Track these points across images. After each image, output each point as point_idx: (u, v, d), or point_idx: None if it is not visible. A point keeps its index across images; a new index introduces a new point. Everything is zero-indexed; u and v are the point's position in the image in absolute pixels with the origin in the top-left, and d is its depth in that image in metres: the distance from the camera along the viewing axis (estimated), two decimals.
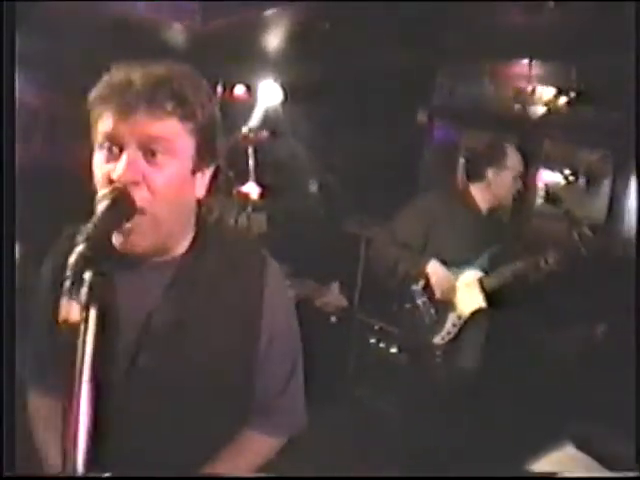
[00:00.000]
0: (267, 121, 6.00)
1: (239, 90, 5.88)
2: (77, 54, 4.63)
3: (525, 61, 4.84)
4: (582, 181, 4.68)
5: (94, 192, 1.43)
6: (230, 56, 5.28)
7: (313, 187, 6.00)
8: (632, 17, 2.77)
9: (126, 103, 1.38)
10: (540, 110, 4.77)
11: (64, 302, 1.08)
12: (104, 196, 1.33)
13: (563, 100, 4.60)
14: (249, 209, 5.46)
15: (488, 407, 3.80)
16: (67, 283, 1.10)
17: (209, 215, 1.67)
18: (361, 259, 5.29)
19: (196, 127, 1.46)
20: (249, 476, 1.69)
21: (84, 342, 1.08)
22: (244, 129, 5.82)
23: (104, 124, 1.41)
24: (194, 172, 1.50)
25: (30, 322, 1.73)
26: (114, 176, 1.38)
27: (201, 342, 1.57)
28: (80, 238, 1.18)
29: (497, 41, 4.56)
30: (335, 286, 5.42)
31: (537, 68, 4.80)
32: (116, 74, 1.44)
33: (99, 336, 1.10)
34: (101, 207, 1.29)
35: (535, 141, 4.84)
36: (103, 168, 1.42)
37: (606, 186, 4.57)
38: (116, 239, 1.39)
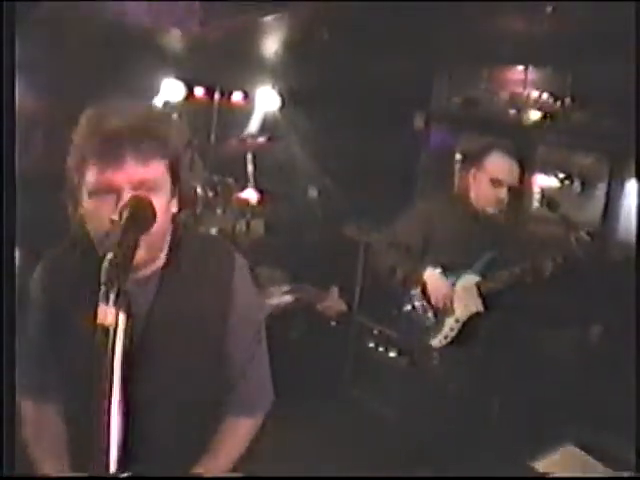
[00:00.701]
0: (265, 127, 6.02)
1: (237, 96, 5.90)
2: (76, 59, 4.65)
3: (521, 67, 4.86)
4: (577, 185, 4.69)
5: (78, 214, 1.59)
6: (228, 62, 5.30)
7: (312, 192, 6.01)
8: (630, 23, 2.80)
9: (116, 154, 1.50)
10: (535, 115, 4.78)
11: (101, 307, 1.15)
12: (124, 206, 1.41)
13: (558, 105, 4.63)
14: (248, 215, 5.49)
15: (485, 409, 3.82)
16: (102, 289, 1.17)
17: (179, 225, 1.80)
18: (360, 263, 5.30)
19: (171, 161, 1.62)
20: (249, 476, 1.79)
21: (114, 345, 1.14)
22: (242, 135, 5.85)
23: (96, 174, 1.53)
24: (171, 197, 1.66)
25: (25, 330, 1.81)
26: (115, 217, 1.43)
27: (189, 339, 1.73)
28: (109, 247, 1.26)
29: (494, 47, 4.59)
30: (334, 290, 5.43)
31: (533, 74, 4.83)
32: (96, 123, 1.54)
33: (126, 340, 1.17)
34: (123, 216, 1.36)
35: (530, 146, 4.86)
36: (100, 213, 1.54)
37: (601, 190, 4.58)
38: None
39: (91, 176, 1.54)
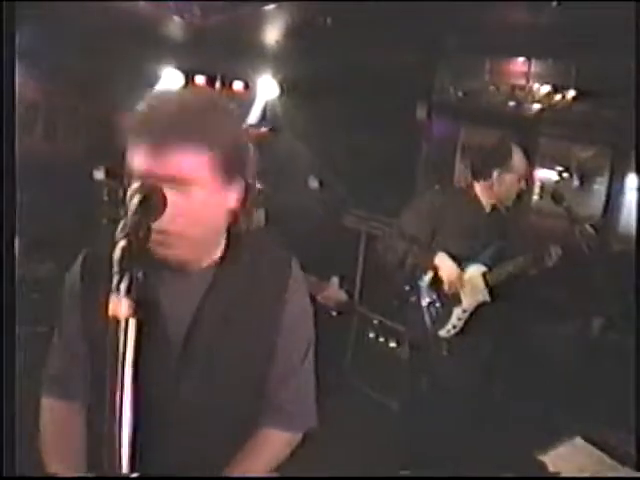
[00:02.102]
0: (266, 117, 6.01)
1: (238, 86, 5.89)
2: (77, 48, 4.65)
3: (524, 59, 4.84)
4: (578, 178, 4.69)
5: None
6: (229, 52, 5.29)
7: (313, 183, 6.01)
8: (632, 16, 2.79)
9: (160, 141, 1.45)
10: (538, 107, 4.77)
11: (113, 298, 1.11)
12: (135, 191, 1.36)
13: (560, 98, 4.61)
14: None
15: (488, 399, 3.83)
16: (115, 279, 1.12)
17: (239, 225, 1.73)
18: (361, 254, 5.31)
19: (222, 152, 1.52)
20: (248, 476, 1.73)
21: (126, 339, 1.10)
22: (243, 125, 5.83)
23: (138, 160, 1.48)
24: (222, 190, 1.57)
25: (59, 331, 1.78)
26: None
27: (238, 340, 1.67)
28: (119, 235, 1.20)
29: (497, 38, 4.58)
30: (335, 281, 5.45)
31: (536, 66, 4.81)
32: (144, 109, 1.51)
33: (140, 334, 1.12)
34: (134, 202, 1.32)
35: (532, 138, 4.85)
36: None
37: (602, 183, 4.59)
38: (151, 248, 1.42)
39: (135, 159, 1.49)
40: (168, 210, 1.41)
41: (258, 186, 5.51)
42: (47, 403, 1.79)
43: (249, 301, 1.69)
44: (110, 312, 1.10)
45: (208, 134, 1.49)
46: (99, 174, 4.59)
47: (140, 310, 1.12)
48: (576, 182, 4.71)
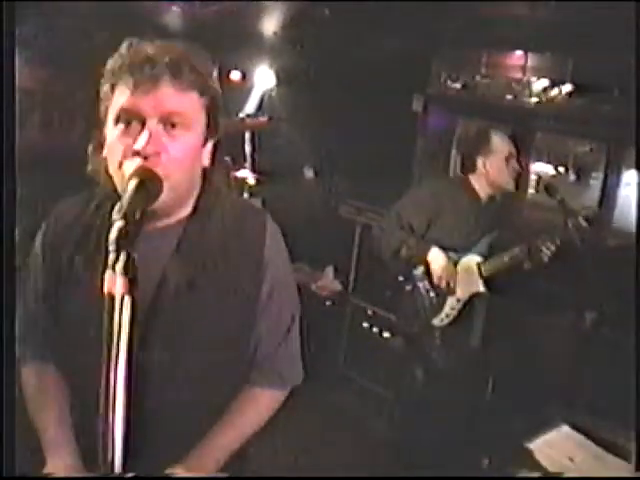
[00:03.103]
0: (263, 107, 6.00)
1: (235, 76, 5.88)
2: (74, 35, 4.63)
3: (521, 52, 4.85)
4: (574, 172, 4.70)
5: (99, 164, 1.54)
6: (227, 42, 5.28)
7: (309, 173, 6.01)
8: (631, 10, 2.79)
9: (150, 76, 1.44)
10: (534, 101, 4.78)
11: (108, 276, 1.14)
12: (131, 175, 1.38)
13: (557, 92, 4.62)
14: (245, 194, 5.49)
15: (480, 390, 3.86)
16: (110, 257, 1.15)
17: (211, 184, 1.73)
18: (356, 244, 5.32)
19: (208, 101, 1.56)
20: (247, 476, 1.80)
21: (121, 316, 1.12)
22: (240, 115, 5.83)
23: (122, 98, 1.47)
24: (204, 144, 1.60)
25: (25, 299, 1.78)
26: (136, 147, 1.43)
27: (210, 299, 1.65)
28: (116, 215, 1.22)
29: (494, 31, 4.58)
30: (330, 271, 5.46)
31: (533, 59, 4.82)
32: (133, 49, 1.49)
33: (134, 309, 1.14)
34: (130, 185, 1.34)
35: (528, 132, 4.86)
36: (121, 142, 1.48)
37: (598, 178, 4.60)
38: None
39: (119, 98, 1.47)
40: (161, 156, 1.45)
41: (255, 175, 5.53)
42: (24, 371, 1.80)
43: (220, 260, 1.66)
44: (106, 289, 1.13)
45: (199, 77, 1.51)
46: (92, 166, 4.56)
47: (135, 289, 1.15)
48: (572, 176, 4.72)
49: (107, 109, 1.53)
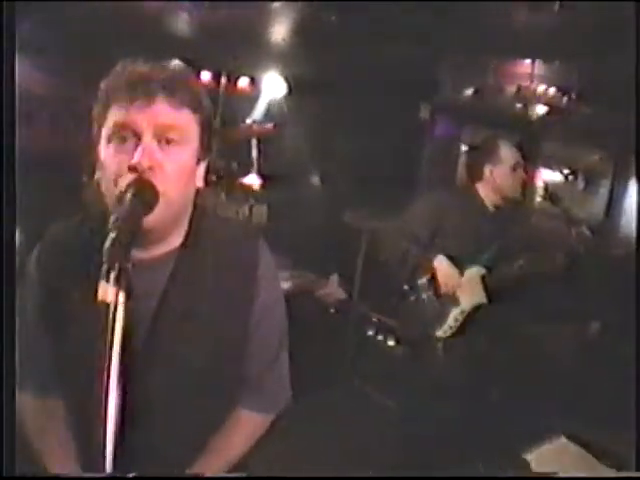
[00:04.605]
0: (270, 113, 6.02)
1: (243, 82, 5.90)
2: (83, 40, 4.66)
3: (528, 60, 4.86)
4: (581, 180, 4.71)
5: (95, 180, 1.51)
6: (235, 48, 5.30)
7: (315, 179, 6.03)
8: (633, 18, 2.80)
9: (146, 92, 1.45)
10: (542, 109, 4.78)
11: (102, 284, 1.14)
12: (127, 186, 1.39)
13: (564, 100, 4.63)
14: (251, 200, 5.50)
15: (484, 401, 3.85)
16: (104, 267, 1.16)
17: (204, 206, 1.74)
18: (361, 251, 5.32)
19: (202, 119, 1.56)
20: (247, 476, 1.77)
21: (114, 326, 1.13)
22: (248, 121, 5.85)
23: (117, 115, 1.47)
24: (197, 162, 1.59)
25: (21, 323, 1.70)
26: (133, 162, 1.43)
27: (205, 326, 1.65)
28: (111, 226, 1.24)
29: (501, 39, 4.59)
30: (335, 278, 5.46)
31: (539, 67, 4.83)
32: (127, 68, 1.50)
33: (126, 321, 1.15)
34: (127, 196, 1.35)
35: (535, 140, 4.87)
36: (116, 158, 1.47)
37: (605, 186, 4.60)
38: None
39: (114, 115, 1.47)
40: (156, 172, 1.45)
41: (260, 182, 5.55)
42: (23, 402, 1.73)
43: (214, 286, 1.66)
44: (99, 297, 1.13)
45: (192, 95, 1.52)
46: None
47: (129, 299, 1.16)
48: (579, 185, 4.73)
49: (100, 129, 1.52)
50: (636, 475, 1.96)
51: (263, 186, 5.63)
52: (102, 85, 1.52)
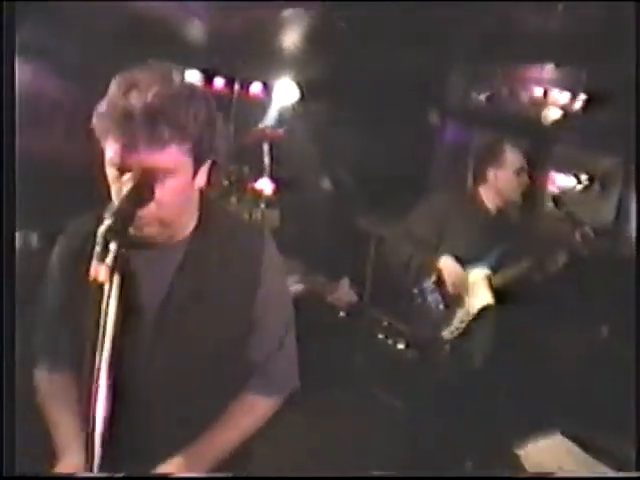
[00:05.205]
0: (282, 119, 6.06)
1: (256, 88, 5.94)
2: (97, 45, 4.72)
3: (538, 65, 4.88)
4: (593, 184, 4.71)
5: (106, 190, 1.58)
6: (248, 54, 5.35)
7: (326, 184, 6.06)
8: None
9: (129, 136, 1.49)
10: (552, 114, 4.80)
11: (94, 264, 1.24)
12: (128, 180, 1.48)
13: (574, 104, 4.64)
14: (262, 205, 5.54)
15: (492, 402, 3.86)
16: (97, 248, 1.26)
17: (210, 202, 1.82)
18: (371, 256, 5.35)
19: (192, 142, 1.58)
20: (248, 476, 1.83)
21: (108, 304, 1.24)
22: (260, 126, 5.90)
23: (111, 150, 1.53)
24: (194, 175, 1.64)
25: (41, 305, 1.86)
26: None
27: (212, 312, 1.74)
28: (107, 213, 1.34)
29: (510, 44, 4.61)
30: (345, 282, 5.49)
31: (550, 72, 4.84)
32: (120, 96, 1.50)
33: (120, 303, 1.25)
34: (124, 189, 1.45)
35: (546, 144, 4.88)
36: (117, 183, 1.54)
37: (615, 189, 4.60)
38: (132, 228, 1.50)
39: (109, 150, 1.53)
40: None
41: (272, 186, 5.59)
42: (39, 375, 1.88)
43: (221, 275, 1.74)
44: (91, 277, 1.23)
45: (175, 129, 1.52)
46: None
47: (122, 281, 1.25)
48: (592, 189, 4.73)
49: (103, 150, 1.57)
50: (636, 475, 1.97)
51: (275, 191, 5.67)
52: (98, 107, 1.55)
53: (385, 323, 5.11)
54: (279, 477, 1.98)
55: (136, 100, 1.48)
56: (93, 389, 1.21)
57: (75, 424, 1.74)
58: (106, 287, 1.24)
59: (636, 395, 2.28)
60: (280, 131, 5.84)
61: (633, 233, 4.39)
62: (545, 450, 2.12)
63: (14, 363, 1.73)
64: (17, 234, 4.56)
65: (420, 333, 3.88)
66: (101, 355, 1.21)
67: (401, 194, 4.61)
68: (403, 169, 5.17)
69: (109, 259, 1.25)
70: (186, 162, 1.59)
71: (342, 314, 5.38)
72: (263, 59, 5.67)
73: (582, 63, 4.59)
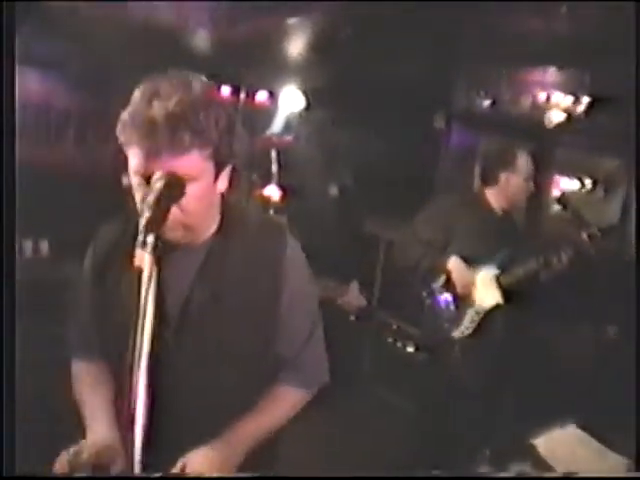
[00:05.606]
0: (289, 126, 6.10)
1: (262, 96, 5.98)
2: (105, 57, 4.77)
3: (541, 68, 4.90)
4: (597, 187, 4.73)
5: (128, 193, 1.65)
6: (254, 63, 5.39)
7: (333, 190, 6.10)
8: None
9: (151, 144, 1.54)
10: (555, 117, 4.82)
11: (138, 252, 1.35)
12: (158, 179, 1.52)
13: (578, 107, 4.65)
14: (271, 211, 5.59)
15: (500, 401, 3.88)
16: (139, 238, 1.36)
17: (231, 204, 1.86)
18: (380, 260, 5.38)
19: (213, 148, 1.62)
20: (248, 476, 1.80)
21: (147, 294, 1.33)
22: (267, 133, 5.95)
23: (134, 159, 1.59)
24: (214, 179, 1.69)
25: (76, 304, 1.97)
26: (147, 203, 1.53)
27: (235, 312, 1.78)
28: (145, 209, 1.43)
29: (514, 48, 4.64)
30: (355, 286, 5.51)
31: (553, 75, 4.86)
32: (144, 104, 1.55)
33: (157, 295, 1.36)
34: (157, 186, 1.50)
35: (550, 147, 4.90)
36: (139, 191, 1.60)
37: (620, 192, 4.62)
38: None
39: (132, 158, 1.59)
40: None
41: (280, 193, 5.64)
42: (75, 367, 1.98)
43: (244, 274, 1.79)
44: (135, 264, 1.32)
45: (197, 136, 1.56)
46: (126, 180, 4.66)
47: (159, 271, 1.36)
48: (596, 191, 4.75)
49: (126, 157, 1.63)
50: (636, 475, 1.97)
51: (283, 197, 5.71)
52: (122, 115, 1.59)
53: (394, 326, 5.13)
54: (280, 477, 2.00)
55: (158, 108, 1.53)
56: (130, 385, 1.28)
57: (102, 401, 1.83)
58: (145, 278, 1.32)
59: (636, 395, 2.29)
60: (287, 138, 5.89)
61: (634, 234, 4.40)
62: (558, 440, 2.14)
63: (14, 363, 1.76)
64: (27, 242, 4.67)
65: (431, 334, 3.92)
66: (140, 351, 1.29)
67: (407, 198, 4.63)
68: (409, 173, 5.20)
69: (149, 249, 1.34)
70: (208, 167, 1.63)
71: (352, 318, 5.41)
72: (268, 67, 5.71)
73: (585, 66, 4.61)
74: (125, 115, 1.59)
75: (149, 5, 4.24)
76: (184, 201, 1.59)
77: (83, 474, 1.58)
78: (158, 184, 1.50)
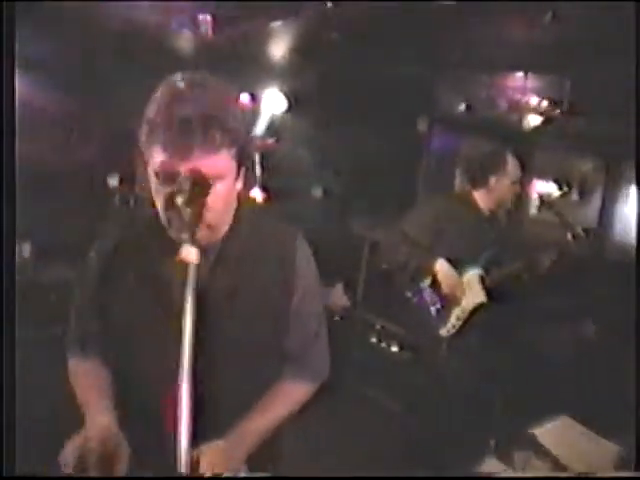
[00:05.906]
0: (272, 128, 6.11)
1: (244, 98, 5.99)
2: (87, 60, 4.76)
3: (521, 73, 4.95)
4: (574, 189, 4.80)
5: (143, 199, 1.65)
6: (236, 64, 5.40)
7: (317, 192, 6.11)
8: (630, 28, 2.88)
9: (183, 141, 1.54)
10: (535, 120, 4.87)
11: (185, 247, 1.42)
12: (185, 179, 1.54)
13: (557, 111, 4.71)
14: None
15: (486, 398, 3.91)
16: (185, 234, 1.44)
17: (243, 205, 1.88)
18: (364, 260, 5.40)
19: (237, 147, 1.65)
20: (249, 476, 1.84)
21: (192, 287, 1.41)
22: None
23: (162, 158, 1.58)
24: (235, 179, 1.71)
25: (77, 301, 1.98)
26: (178, 203, 1.54)
27: (247, 308, 1.82)
28: (182, 204, 1.48)
29: (495, 54, 4.69)
30: (339, 287, 5.54)
31: (532, 80, 4.92)
32: (170, 104, 1.56)
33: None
34: (185, 185, 1.52)
35: (529, 151, 4.96)
36: (162, 191, 1.61)
37: (598, 194, 4.69)
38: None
39: (158, 158, 1.58)
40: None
41: (264, 195, 5.64)
42: (73, 362, 1.98)
43: (256, 272, 1.82)
44: (181, 257, 1.40)
45: (228, 135, 1.58)
46: (113, 181, 4.69)
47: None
48: (573, 194, 4.82)
49: (147, 158, 1.63)
50: (636, 475, 2.01)
51: (266, 199, 5.72)
52: (147, 110, 1.61)
53: (378, 326, 5.16)
54: (280, 477, 2.03)
55: (192, 108, 1.55)
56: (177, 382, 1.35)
57: (100, 396, 1.84)
58: (192, 271, 1.39)
59: (636, 394, 2.32)
60: (270, 141, 5.90)
61: (620, 236, 4.47)
62: (553, 430, 2.18)
63: (14, 364, 1.77)
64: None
65: (416, 333, 3.95)
66: (186, 347, 1.39)
67: (391, 199, 4.67)
68: (393, 176, 5.23)
69: (192, 241, 1.41)
70: (233, 166, 1.65)
71: (336, 318, 5.43)
72: (252, 70, 5.71)
73: (565, 71, 4.66)
74: (151, 114, 1.59)
75: (132, 6, 4.24)
76: (210, 200, 1.59)
77: (90, 465, 1.57)
78: (186, 183, 1.52)
